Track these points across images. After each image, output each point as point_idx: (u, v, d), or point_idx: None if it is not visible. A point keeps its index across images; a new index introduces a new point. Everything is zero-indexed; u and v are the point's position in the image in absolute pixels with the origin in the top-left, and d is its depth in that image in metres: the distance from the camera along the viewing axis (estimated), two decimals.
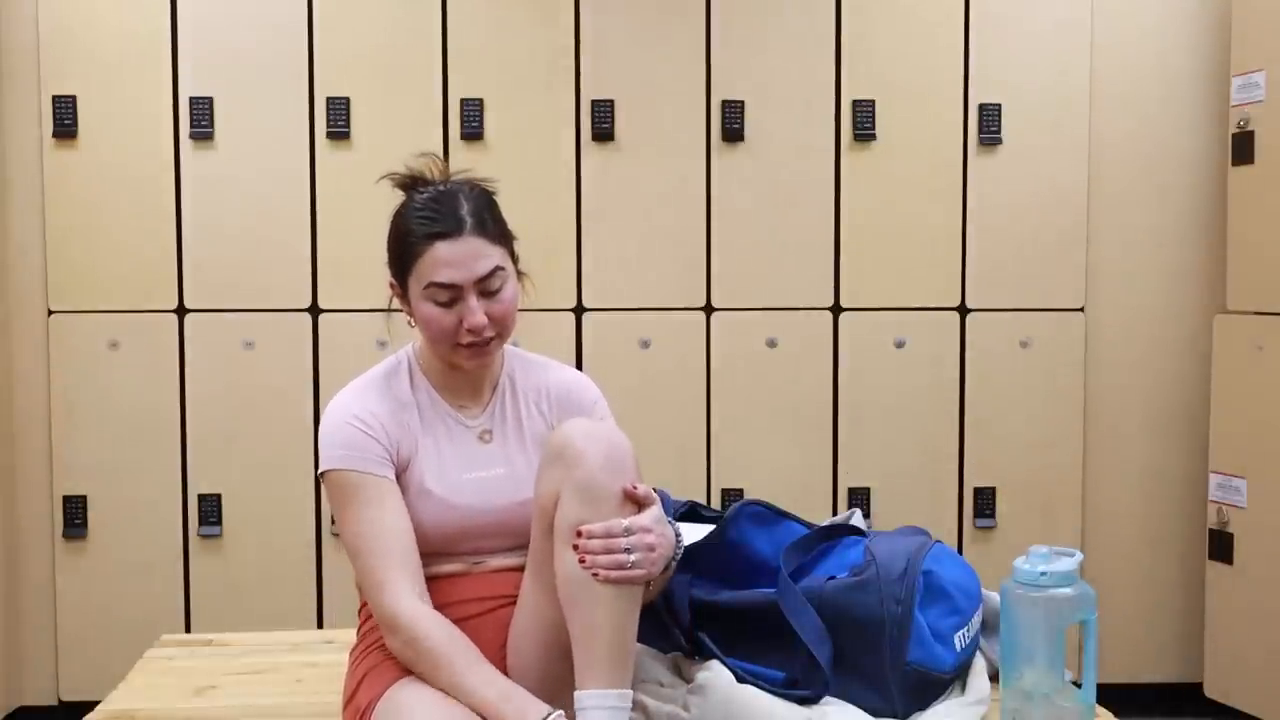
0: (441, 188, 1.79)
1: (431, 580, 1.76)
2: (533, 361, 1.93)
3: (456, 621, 1.72)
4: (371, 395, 1.79)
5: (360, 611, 1.86)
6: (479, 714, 1.60)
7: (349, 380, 1.86)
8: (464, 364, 1.80)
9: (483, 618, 1.77)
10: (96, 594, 3.19)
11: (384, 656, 1.75)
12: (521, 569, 1.83)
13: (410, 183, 1.81)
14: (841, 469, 3.30)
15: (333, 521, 3.18)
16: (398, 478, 1.77)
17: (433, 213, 1.75)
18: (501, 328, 1.77)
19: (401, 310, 1.83)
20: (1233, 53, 3.18)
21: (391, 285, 1.81)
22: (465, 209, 1.75)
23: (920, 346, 3.30)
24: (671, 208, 3.25)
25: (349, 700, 1.77)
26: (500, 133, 3.22)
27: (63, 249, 3.17)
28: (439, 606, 1.72)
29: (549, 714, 1.57)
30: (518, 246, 1.83)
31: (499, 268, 1.76)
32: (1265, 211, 3.08)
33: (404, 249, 1.76)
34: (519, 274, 1.82)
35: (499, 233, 1.78)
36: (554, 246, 3.20)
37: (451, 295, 1.73)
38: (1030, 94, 3.29)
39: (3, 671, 3.11)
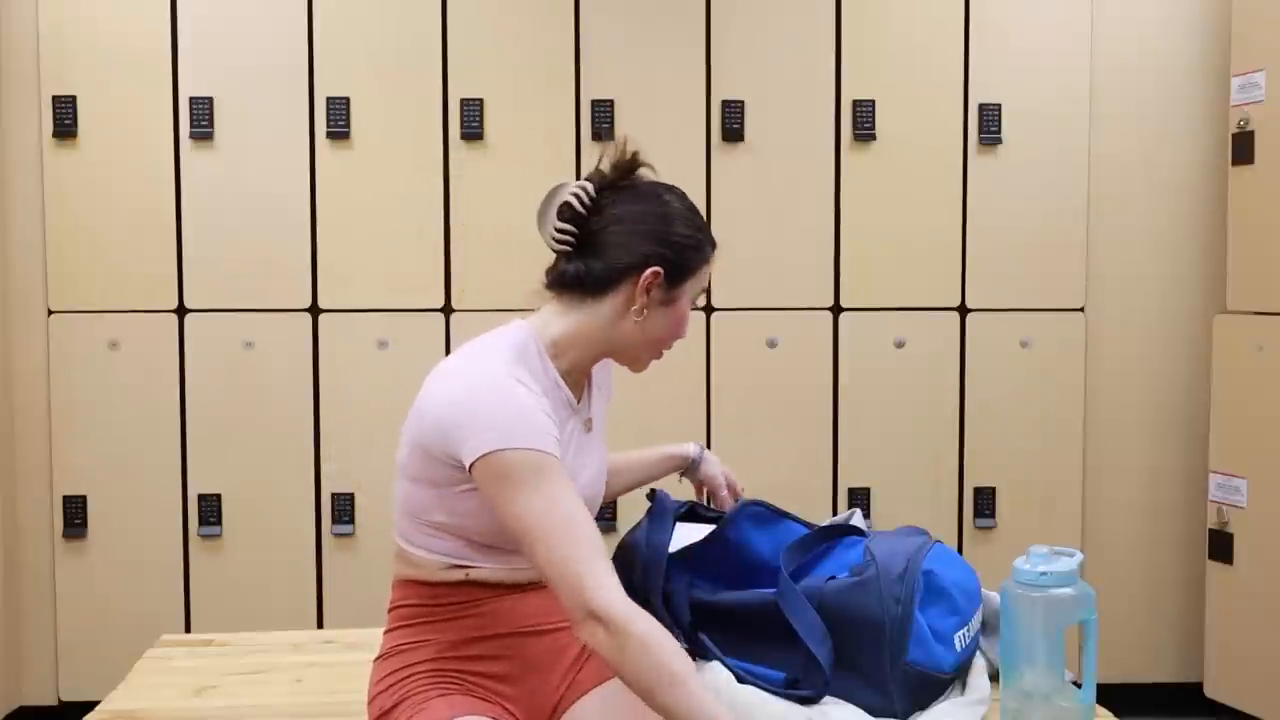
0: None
1: (494, 592, 1.70)
2: None
3: (528, 639, 1.70)
4: (526, 375, 1.67)
5: (390, 615, 1.75)
6: None
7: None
8: (644, 366, 1.87)
9: (551, 635, 1.73)
10: (96, 594, 3.19)
11: (431, 682, 1.67)
12: None
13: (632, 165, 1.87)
14: (841, 469, 3.30)
15: (334, 522, 3.18)
16: None
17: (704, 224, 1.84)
18: None
19: (633, 301, 1.75)
20: (1233, 53, 3.18)
21: (656, 274, 1.73)
22: None
23: (920, 346, 3.30)
24: None
25: (381, 716, 1.69)
26: (500, 133, 3.22)
27: (63, 249, 3.17)
28: (510, 627, 1.69)
29: None
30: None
31: None
32: (1265, 211, 3.08)
33: (697, 249, 1.79)
34: None
35: None
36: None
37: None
38: (1030, 94, 3.29)
39: (3, 671, 3.11)
